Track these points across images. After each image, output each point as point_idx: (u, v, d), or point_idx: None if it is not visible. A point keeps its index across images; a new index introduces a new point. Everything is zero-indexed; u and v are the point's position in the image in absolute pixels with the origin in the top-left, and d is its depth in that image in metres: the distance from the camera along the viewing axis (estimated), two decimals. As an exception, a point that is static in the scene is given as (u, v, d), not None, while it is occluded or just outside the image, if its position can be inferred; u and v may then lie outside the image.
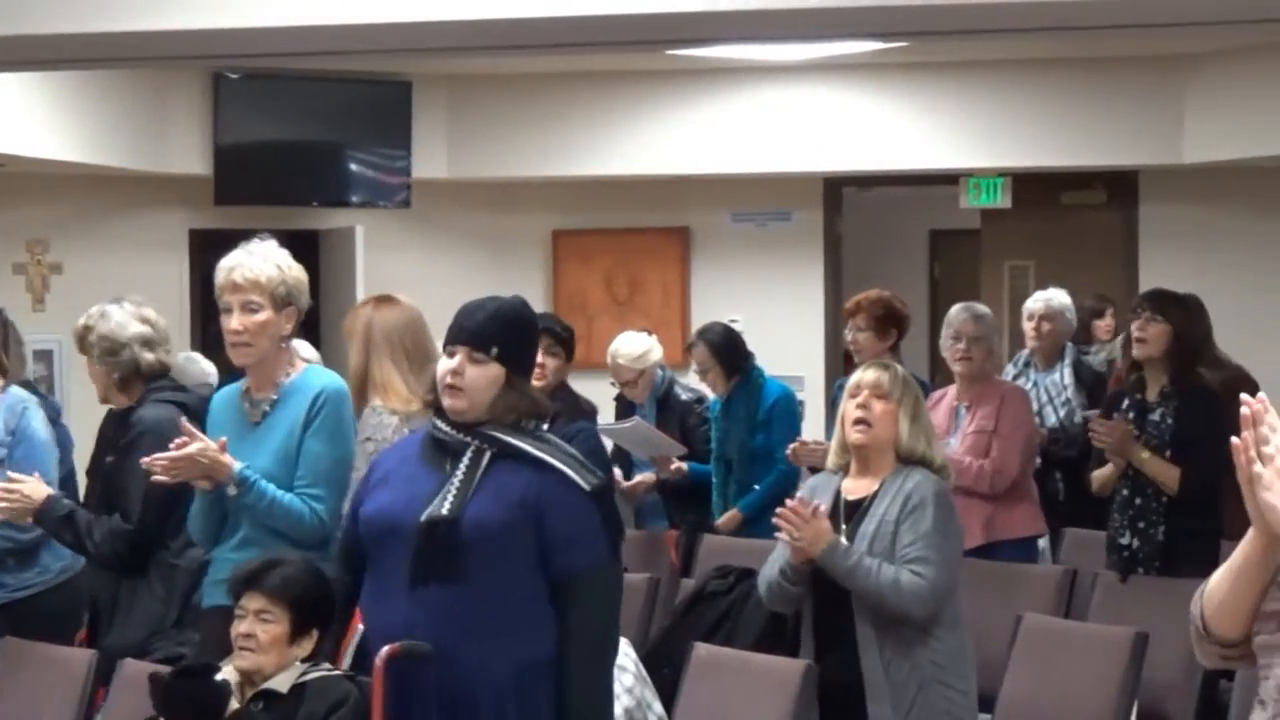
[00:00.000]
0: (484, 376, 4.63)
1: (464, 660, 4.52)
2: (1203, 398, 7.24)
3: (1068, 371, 9.00)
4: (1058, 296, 9.32)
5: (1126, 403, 7.35)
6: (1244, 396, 3.06)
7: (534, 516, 4.55)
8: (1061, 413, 8.80)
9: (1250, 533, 3.04)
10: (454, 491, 4.59)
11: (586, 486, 4.57)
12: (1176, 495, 7.10)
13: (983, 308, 8.27)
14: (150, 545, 6.29)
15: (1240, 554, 3.07)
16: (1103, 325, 11.18)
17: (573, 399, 7.80)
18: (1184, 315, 7.30)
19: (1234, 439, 3.05)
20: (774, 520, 5.67)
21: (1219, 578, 3.12)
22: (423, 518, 4.56)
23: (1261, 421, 3.01)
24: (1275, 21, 8.02)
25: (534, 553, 4.55)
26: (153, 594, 6.34)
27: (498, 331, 4.65)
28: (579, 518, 4.57)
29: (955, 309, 8.21)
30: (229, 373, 5.97)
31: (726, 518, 8.77)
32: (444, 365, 4.68)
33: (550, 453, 4.61)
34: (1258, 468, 2.95)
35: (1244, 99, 12.10)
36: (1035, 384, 8.94)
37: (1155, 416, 7.22)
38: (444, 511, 4.55)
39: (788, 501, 5.66)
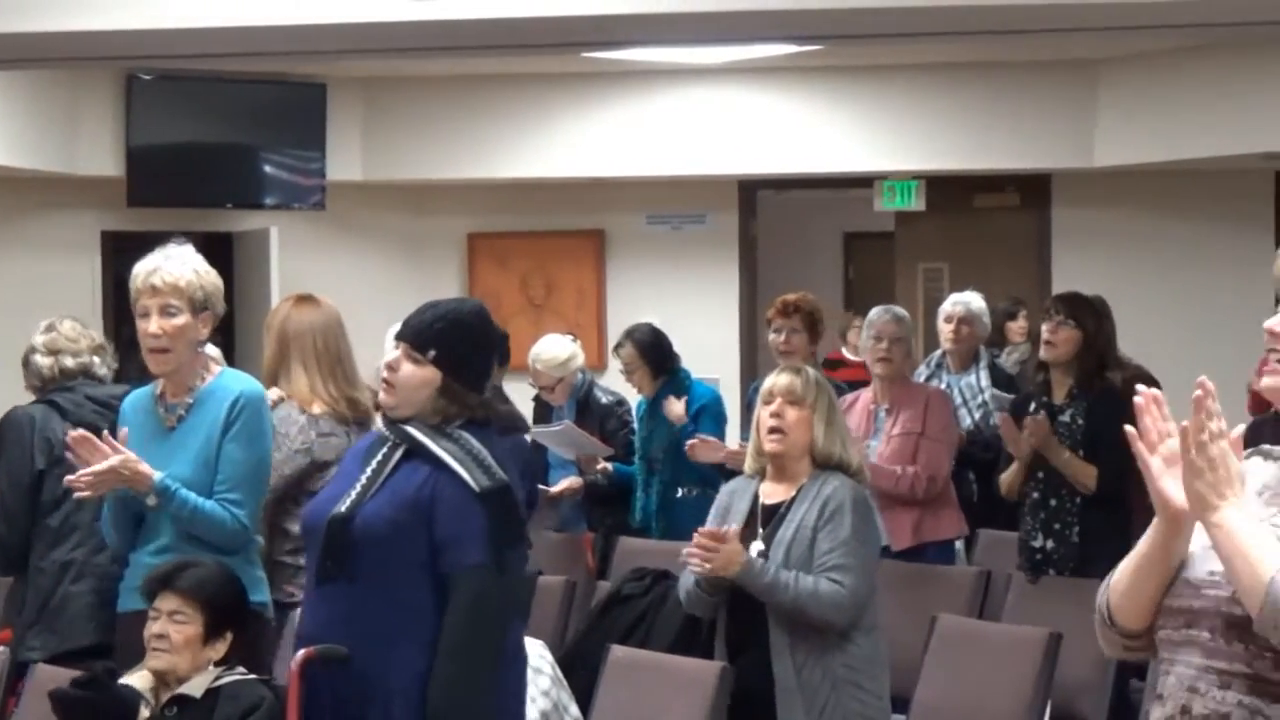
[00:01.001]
0: (417, 376, 4.60)
1: (361, 662, 4.50)
2: (1111, 398, 7.30)
3: (984, 374, 9.04)
4: (975, 299, 9.36)
5: (1034, 405, 7.39)
6: (1139, 387, 3.10)
7: (425, 516, 4.51)
8: (977, 415, 8.84)
9: (1154, 522, 3.06)
10: (358, 489, 4.58)
11: (476, 487, 4.51)
12: (1095, 493, 7.15)
13: (902, 310, 8.30)
14: (17, 546, 6.36)
15: (1145, 544, 3.09)
16: (1016, 327, 11.24)
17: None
18: (1094, 319, 7.36)
19: (1129, 428, 3.08)
20: (682, 557, 5.66)
21: (1124, 568, 3.14)
22: (328, 516, 4.56)
23: (1147, 412, 3.06)
24: (1184, 27, 8.10)
25: (425, 553, 4.51)
26: (12, 595, 6.44)
27: (439, 335, 4.61)
28: (462, 518, 4.50)
29: (876, 310, 8.23)
30: (141, 375, 5.94)
31: (675, 409, 8.76)
32: (386, 355, 4.67)
33: (451, 451, 4.56)
34: (1191, 454, 2.97)
35: (1154, 103, 12.20)
36: (949, 386, 8.97)
37: (1065, 418, 7.27)
38: (342, 510, 4.55)
39: (696, 533, 5.64)
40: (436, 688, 4.46)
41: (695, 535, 5.62)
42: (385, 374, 4.63)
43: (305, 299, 6.35)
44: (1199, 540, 3.06)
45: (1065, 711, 6.61)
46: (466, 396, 4.62)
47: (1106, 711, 6.61)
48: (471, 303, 4.77)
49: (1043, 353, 7.35)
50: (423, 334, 4.61)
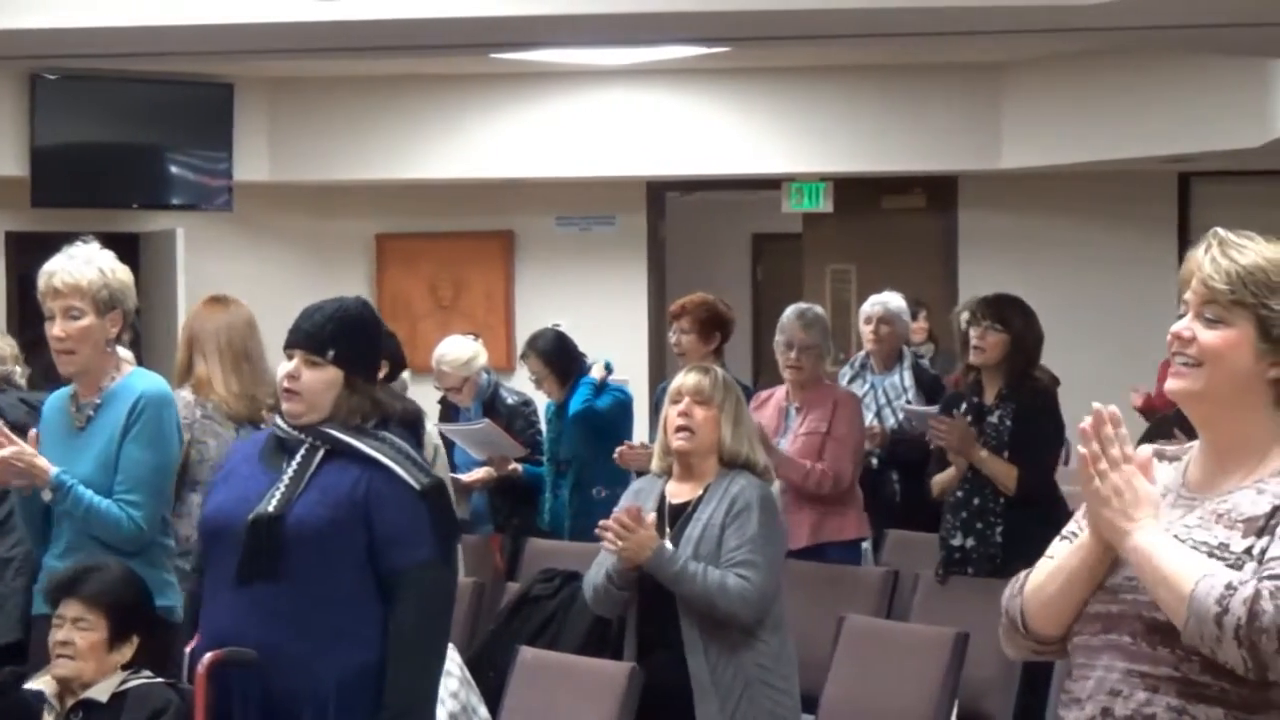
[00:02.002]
0: (321, 380, 4.60)
1: (289, 661, 4.48)
2: (1038, 400, 7.33)
3: (908, 374, 9.05)
4: (894, 300, 9.38)
5: (964, 405, 7.42)
6: (1094, 405, 3.07)
7: (362, 514, 4.52)
8: (901, 415, 8.87)
9: (1088, 539, 3.07)
10: (282, 489, 4.56)
11: (416, 485, 4.54)
12: (1014, 495, 7.18)
13: (815, 311, 8.26)
14: None
15: (1075, 558, 3.09)
16: (916, 327, 11.30)
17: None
18: (1022, 323, 7.37)
19: (1080, 449, 3.07)
20: (598, 530, 5.68)
21: (1045, 578, 3.14)
22: (250, 516, 4.53)
23: (1094, 437, 3.03)
24: (1088, 30, 8.16)
25: (362, 551, 4.52)
26: None
27: (335, 334, 4.62)
28: (406, 516, 4.52)
29: (789, 313, 8.21)
30: (46, 376, 5.93)
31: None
32: (283, 368, 4.66)
33: (382, 450, 4.57)
34: (1095, 483, 2.99)
35: (1060, 106, 12.29)
36: (873, 386, 9.00)
37: (993, 419, 7.29)
38: (269, 509, 4.52)
39: (615, 512, 5.66)
40: (395, 683, 4.49)
41: (614, 512, 5.64)
42: (287, 384, 4.62)
43: (217, 300, 6.36)
44: None
45: (973, 710, 6.64)
46: (369, 390, 4.64)
47: (1013, 711, 6.65)
48: (353, 299, 4.78)
49: (972, 357, 7.37)
50: (317, 337, 4.61)
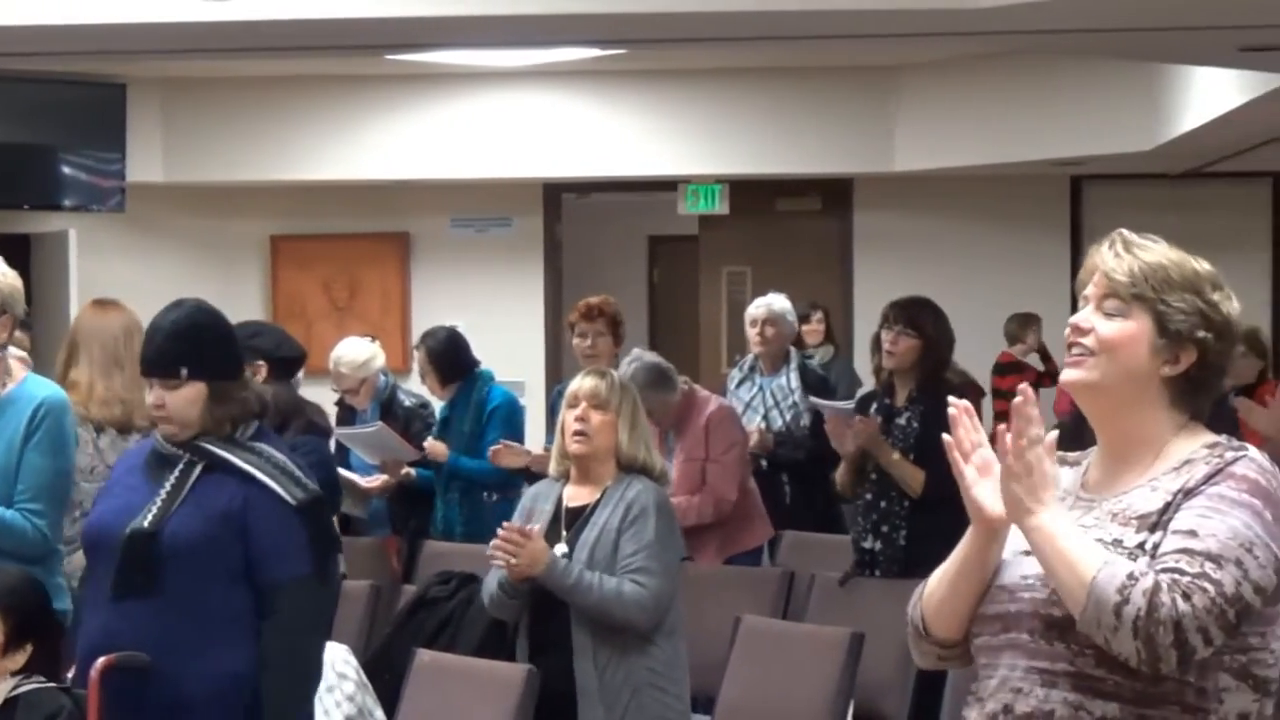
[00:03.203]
0: (183, 399, 4.59)
1: (164, 674, 4.47)
2: (948, 403, 7.36)
3: (794, 375, 9.07)
4: (778, 301, 9.40)
5: (875, 406, 7.46)
6: (951, 400, 3.15)
7: (238, 529, 4.50)
8: (788, 416, 8.88)
9: (968, 532, 3.12)
10: (159, 504, 4.54)
11: (291, 500, 4.52)
12: (920, 497, 7.21)
13: (642, 370, 7.84)
14: None
15: (959, 554, 3.14)
16: (808, 329, 11.34)
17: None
18: (934, 326, 7.40)
19: (945, 437, 3.13)
20: (489, 550, 5.67)
21: (938, 580, 3.18)
22: (126, 530, 4.51)
23: (960, 423, 3.12)
24: (979, 34, 8.22)
25: (239, 566, 4.50)
26: None
27: (182, 351, 4.59)
28: (281, 530, 4.51)
29: (629, 369, 7.84)
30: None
31: (435, 446, 8.71)
32: (147, 398, 4.65)
33: (257, 465, 4.55)
34: (1009, 459, 3.01)
35: (953, 110, 12.38)
36: (761, 388, 9.01)
37: (901, 421, 7.32)
38: (145, 524, 4.51)
39: (501, 528, 5.65)
40: (270, 694, 4.48)
41: (500, 530, 5.63)
42: (154, 412, 4.62)
43: (104, 303, 6.29)
44: (1010, 546, 3.12)
45: (868, 710, 6.68)
46: (234, 392, 4.62)
47: (908, 710, 6.69)
48: (186, 305, 4.72)
49: (885, 361, 7.40)
50: (164, 359, 4.59)
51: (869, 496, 7.32)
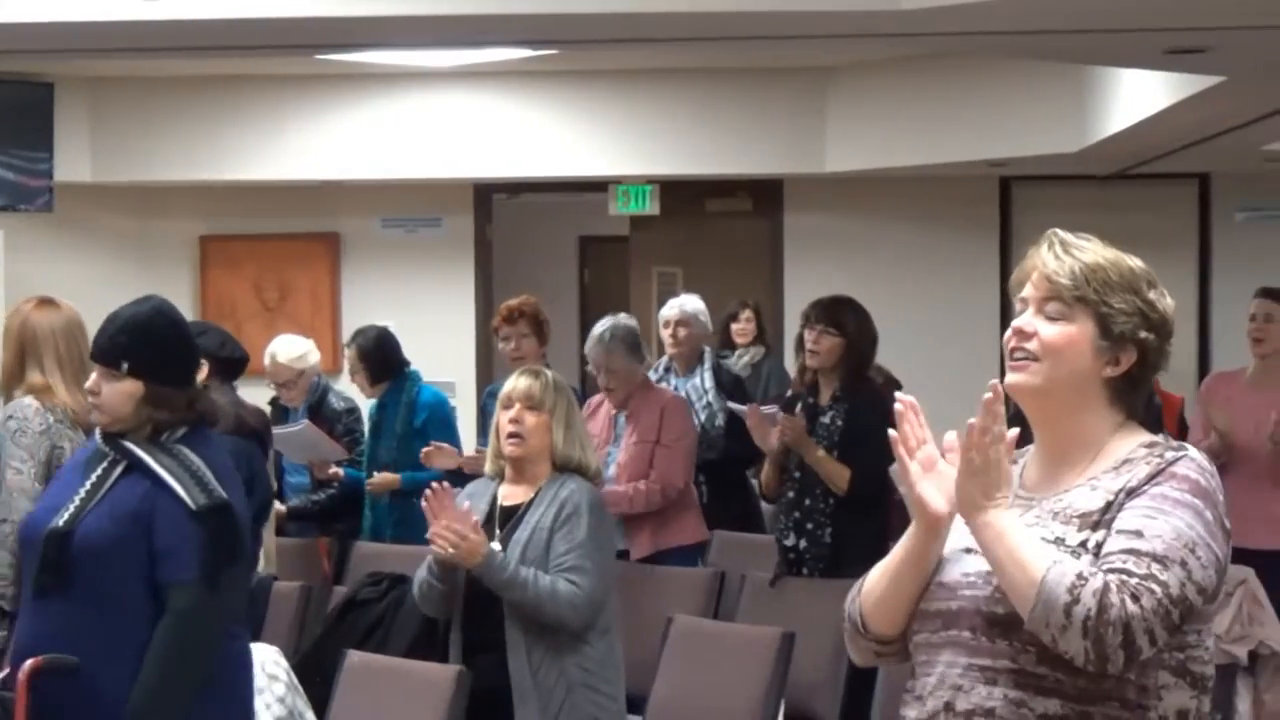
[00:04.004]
0: (119, 392, 4.57)
1: (78, 674, 4.47)
2: (871, 401, 7.40)
3: (708, 375, 9.09)
4: (690, 301, 9.41)
5: (800, 405, 7.48)
6: (898, 395, 3.15)
7: (145, 530, 4.49)
8: (703, 416, 8.91)
9: (910, 528, 3.12)
10: (76, 503, 4.53)
11: (192, 505, 4.50)
12: (845, 495, 7.23)
13: (616, 328, 8.16)
14: None
15: (901, 550, 3.14)
16: (736, 329, 11.36)
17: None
18: (856, 325, 7.43)
19: (891, 432, 3.14)
20: (429, 535, 5.67)
21: (877, 576, 3.19)
22: (46, 529, 4.51)
23: (906, 419, 3.12)
24: (907, 36, 8.25)
25: (147, 566, 4.49)
26: None
27: (127, 346, 4.58)
28: (176, 534, 4.49)
29: (591, 338, 8.14)
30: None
31: (382, 478, 8.71)
32: (88, 382, 4.63)
33: (168, 467, 4.54)
34: (972, 453, 3.02)
35: (884, 110, 12.42)
36: (676, 389, 9.04)
37: (826, 419, 7.35)
38: (60, 524, 4.49)
39: (443, 503, 5.64)
40: (136, 694, 4.46)
41: (430, 487, 5.63)
42: (90, 398, 4.61)
43: (45, 301, 6.22)
44: (951, 543, 3.13)
45: (800, 709, 6.70)
46: (172, 397, 4.60)
47: (839, 709, 6.71)
48: (151, 302, 4.71)
49: (808, 360, 7.43)
50: (111, 350, 4.59)
51: (791, 495, 7.35)
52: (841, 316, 7.41)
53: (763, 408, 8.35)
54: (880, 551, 3.25)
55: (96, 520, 4.50)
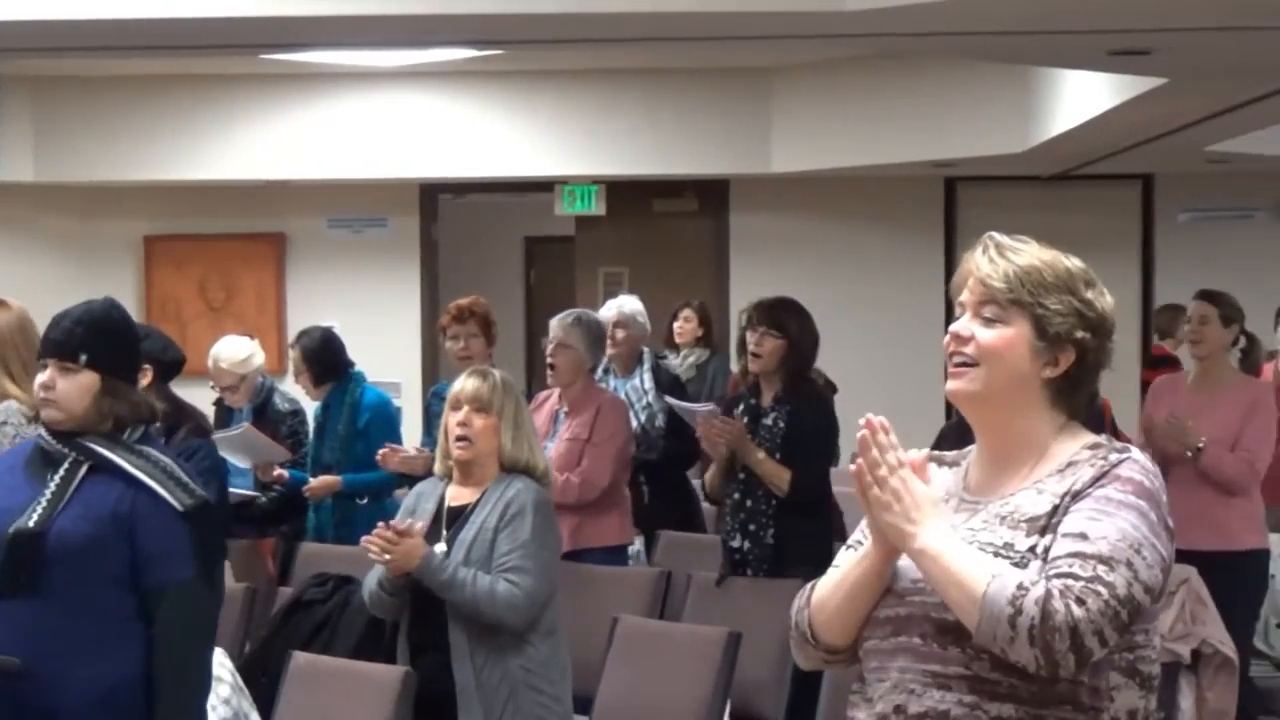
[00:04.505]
0: (76, 386, 4.54)
1: (46, 677, 4.42)
2: (813, 403, 7.40)
3: (647, 376, 9.09)
4: (629, 303, 9.40)
5: (742, 407, 7.48)
6: (867, 416, 3.09)
7: (125, 532, 4.46)
8: (643, 417, 8.91)
9: (869, 549, 3.10)
10: (44, 504, 4.50)
11: (179, 506, 4.49)
12: (786, 497, 7.24)
13: (586, 316, 8.24)
14: None
15: (859, 568, 3.12)
16: (677, 328, 11.37)
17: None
18: (798, 327, 7.43)
19: (852, 466, 3.09)
20: (362, 542, 5.67)
21: (830, 589, 3.16)
22: (10, 530, 4.46)
23: (870, 447, 3.06)
24: (852, 36, 8.28)
25: (124, 569, 4.46)
26: None
27: (85, 338, 4.56)
28: (167, 535, 4.46)
29: (555, 318, 8.25)
30: None
31: (322, 481, 8.69)
32: (38, 378, 4.60)
33: (145, 469, 4.51)
34: (874, 491, 3.02)
35: (829, 111, 12.46)
36: (615, 390, 9.03)
37: (768, 421, 7.35)
38: (30, 524, 4.46)
39: (378, 528, 5.65)
40: (160, 703, 4.44)
41: (377, 526, 5.64)
42: (43, 394, 4.57)
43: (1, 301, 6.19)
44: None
45: (745, 709, 6.71)
46: (128, 392, 4.59)
47: (785, 709, 6.73)
48: (101, 301, 4.71)
49: (750, 363, 7.43)
50: (68, 343, 4.56)
51: (736, 496, 7.36)
52: (784, 318, 7.41)
53: (694, 405, 8.37)
54: (823, 551, 3.26)
55: (72, 522, 4.46)
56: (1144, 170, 13.27)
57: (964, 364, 3.10)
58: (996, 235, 3.15)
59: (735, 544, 7.33)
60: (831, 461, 7.67)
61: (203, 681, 4.62)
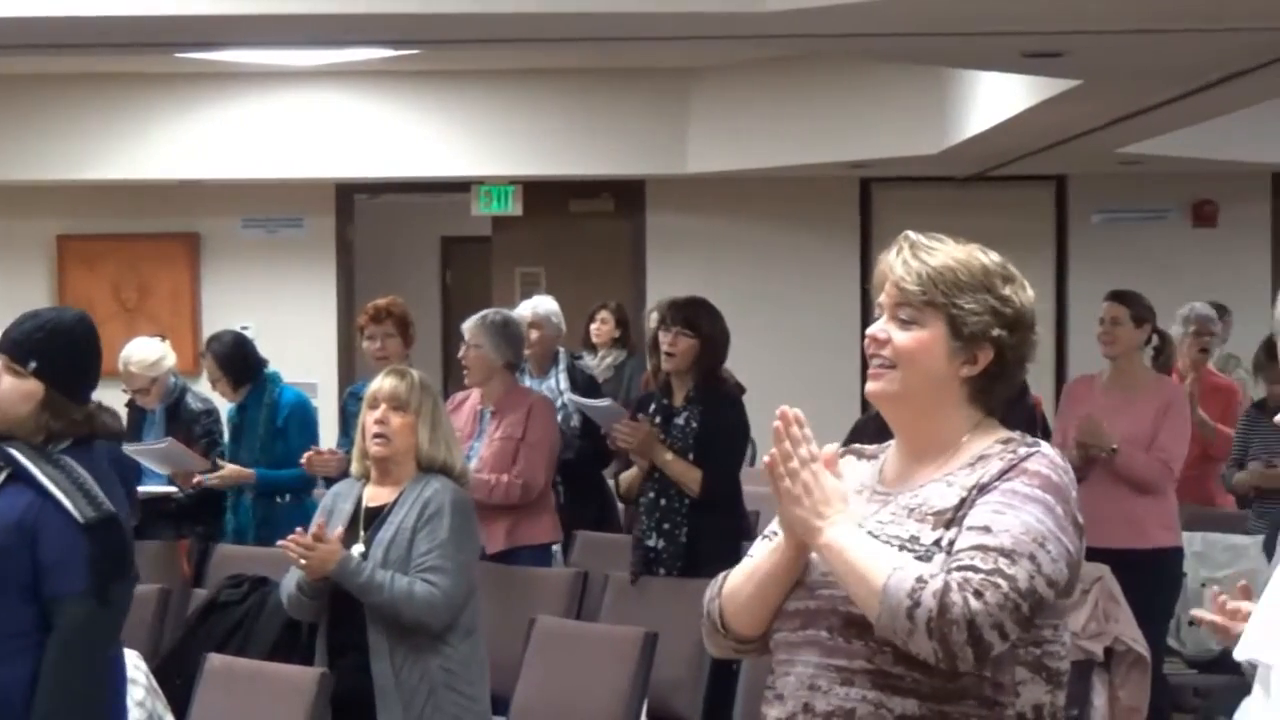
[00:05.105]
0: (18, 389, 4.48)
1: None
2: (725, 402, 7.43)
3: (562, 376, 9.09)
4: (543, 303, 9.40)
5: (653, 407, 7.49)
6: (780, 409, 3.09)
7: (29, 541, 4.42)
8: (558, 417, 8.92)
9: (781, 542, 3.10)
10: None
11: (80, 518, 4.43)
12: (698, 496, 7.25)
13: (499, 316, 8.21)
14: None
15: (770, 560, 3.12)
16: (594, 329, 11.38)
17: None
18: (710, 326, 7.45)
19: (765, 457, 3.11)
20: (279, 545, 5.65)
21: (742, 579, 3.16)
22: None
23: (783, 438, 3.05)
24: (770, 38, 8.30)
25: (28, 579, 4.42)
26: None
27: (40, 345, 4.48)
28: (64, 546, 4.40)
29: (479, 314, 8.23)
30: None
31: (233, 470, 8.64)
32: None
33: (54, 478, 4.45)
34: (785, 483, 3.02)
35: (745, 112, 12.49)
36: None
37: (680, 420, 7.37)
38: None
39: (294, 533, 5.63)
40: (35, 712, 4.39)
41: (295, 532, 5.62)
42: None
43: None
44: None
45: (662, 709, 6.72)
46: (70, 409, 4.51)
47: (701, 708, 6.74)
48: (73, 312, 4.65)
49: (664, 362, 7.44)
50: (23, 345, 4.49)
51: (652, 495, 7.37)
52: (697, 317, 7.43)
53: (595, 402, 8.38)
54: (735, 550, 3.26)
55: None
56: (1058, 171, 13.36)
57: (883, 366, 3.10)
58: (912, 235, 3.15)
59: (651, 543, 7.33)
60: (743, 461, 7.69)
61: (88, 695, 4.50)
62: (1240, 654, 2.52)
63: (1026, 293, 3.14)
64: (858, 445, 3.29)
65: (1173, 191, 13.53)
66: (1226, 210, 13.59)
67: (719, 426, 7.32)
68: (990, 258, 3.13)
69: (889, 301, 3.11)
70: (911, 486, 3.11)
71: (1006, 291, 3.10)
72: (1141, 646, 7.20)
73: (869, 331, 3.12)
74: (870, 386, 3.12)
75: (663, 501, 7.34)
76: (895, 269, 3.10)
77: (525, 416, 7.91)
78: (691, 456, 7.29)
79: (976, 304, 3.07)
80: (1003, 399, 3.15)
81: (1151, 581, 7.59)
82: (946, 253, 3.11)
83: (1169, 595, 7.89)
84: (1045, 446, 3.08)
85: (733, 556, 3.17)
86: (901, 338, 3.09)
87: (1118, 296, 7.97)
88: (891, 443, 3.21)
